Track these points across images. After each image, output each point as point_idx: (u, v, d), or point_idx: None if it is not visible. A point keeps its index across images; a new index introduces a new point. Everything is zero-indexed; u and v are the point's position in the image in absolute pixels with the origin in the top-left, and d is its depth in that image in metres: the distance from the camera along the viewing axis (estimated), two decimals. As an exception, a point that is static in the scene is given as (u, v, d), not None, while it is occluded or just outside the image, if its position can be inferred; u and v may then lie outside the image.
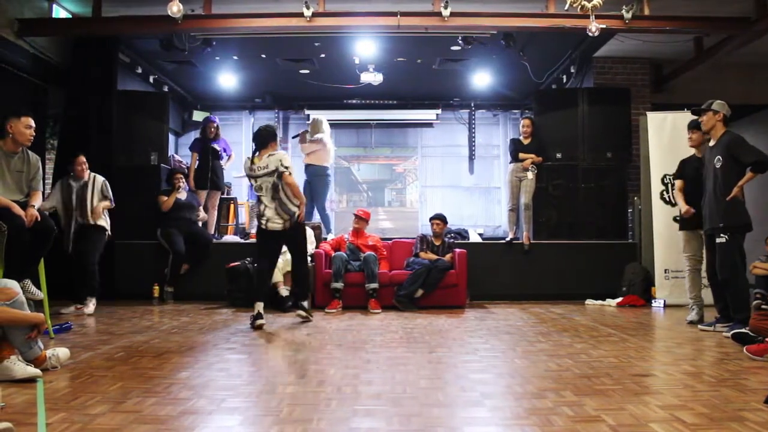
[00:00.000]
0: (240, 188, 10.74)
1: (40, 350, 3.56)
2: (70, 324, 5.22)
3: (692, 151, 5.81)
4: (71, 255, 6.34)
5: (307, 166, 8.43)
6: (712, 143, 5.30)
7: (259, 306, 5.46)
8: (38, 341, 3.55)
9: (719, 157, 5.11)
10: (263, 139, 5.58)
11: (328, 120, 10.47)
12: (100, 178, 6.53)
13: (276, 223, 5.47)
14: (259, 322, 5.34)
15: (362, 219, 7.31)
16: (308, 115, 10.36)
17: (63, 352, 3.73)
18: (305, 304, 5.89)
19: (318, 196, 8.44)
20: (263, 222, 5.52)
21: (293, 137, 9.60)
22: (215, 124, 8.52)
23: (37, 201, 4.72)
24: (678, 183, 5.88)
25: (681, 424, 2.60)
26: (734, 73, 8.76)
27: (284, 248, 7.08)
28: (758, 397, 2.96)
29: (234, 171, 9.62)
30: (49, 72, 7.44)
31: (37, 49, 7.08)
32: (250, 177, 5.62)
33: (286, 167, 5.44)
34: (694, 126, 5.62)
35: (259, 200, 5.59)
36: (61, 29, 7.45)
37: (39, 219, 4.56)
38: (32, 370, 3.37)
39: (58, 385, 3.26)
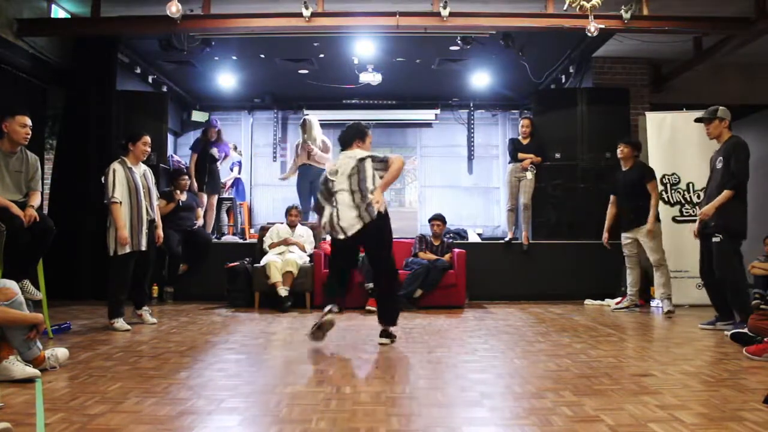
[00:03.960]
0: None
1: (39, 350, 3.56)
2: (69, 324, 5.22)
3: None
4: (144, 254, 5.52)
5: (309, 168, 8.47)
6: (718, 147, 5.35)
7: (330, 306, 4.54)
8: (37, 341, 3.55)
9: (721, 158, 5.17)
10: (346, 137, 4.81)
11: (328, 120, 10.57)
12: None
13: (352, 223, 4.44)
14: (327, 317, 4.45)
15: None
16: (307, 115, 10.31)
17: (62, 352, 3.73)
18: (393, 330, 4.72)
19: None
20: (329, 227, 4.57)
21: (281, 178, 9.38)
22: (216, 129, 8.68)
23: (36, 201, 4.71)
24: None
25: (680, 424, 2.60)
26: (733, 74, 8.78)
27: (282, 248, 7.16)
28: (757, 397, 2.97)
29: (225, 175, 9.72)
30: (48, 72, 7.44)
31: (36, 50, 7.08)
32: (327, 181, 4.69)
33: (381, 159, 4.59)
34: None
35: (321, 203, 4.69)
36: (60, 29, 7.43)
37: (38, 219, 4.55)
38: (31, 371, 3.36)
39: (57, 386, 3.26)
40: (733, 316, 5.22)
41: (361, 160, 4.59)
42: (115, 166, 5.41)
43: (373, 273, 4.92)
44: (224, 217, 9.62)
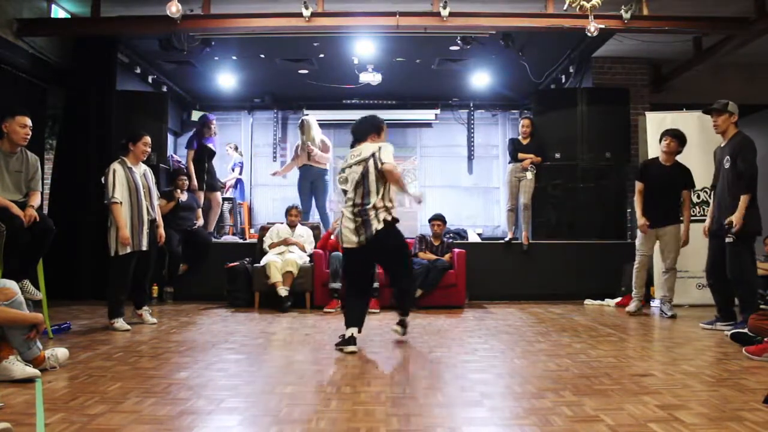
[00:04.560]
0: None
1: (39, 350, 3.56)
2: (69, 324, 5.22)
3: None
4: (145, 254, 5.53)
5: (309, 168, 8.47)
6: (723, 144, 5.33)
7: (352, 331, 4.40)
8: (37, 341, 3.55)
9: (728, 157, 5.15)
10: (361, 129, 4.68)
11: (328, 120, 10.59)
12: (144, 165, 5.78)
13: (350, 237, 4.44)
14: (349, 348, 4.29)
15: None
16: (306, 115, 10.32)
17: (62, 352, 3.73)
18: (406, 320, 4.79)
19: (320, 196, 8.57)
20: (338, 237, 4.62)
21: (272, 174, 9.35)
22: (214, 122, 8.62)
23: (36, 201, 4.71)
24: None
25: (680, 423, 2.60)
26: (733, 73, 8.78)
27: (282, 248, 7.15)
28: (757, 397, 2.97)
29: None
30: (48, 72, 7.44)
31: (36, 50, 7.08)
32: (340, 179, 4.67)
33: (385, 160, 4.41)
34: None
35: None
36: (60, 29, 7.44)
37: (38, 219, 4.55)
38: (31, 371, 3.36)
39: (57, 386, 3.26)
40: (735, 317, 5.22)
41: (367, 162, 4.44)
42: (115, 166, 5.41)
43: (391, 276, 4.84)
44: (227, 216, 9.62)
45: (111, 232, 5.33)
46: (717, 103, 5.30)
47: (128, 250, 5.32)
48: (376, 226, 4.37)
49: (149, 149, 5.69)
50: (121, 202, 5.30)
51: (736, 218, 5.01)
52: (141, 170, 5.60)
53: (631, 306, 6.46)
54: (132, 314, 5.62)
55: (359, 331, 4.46)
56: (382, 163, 4.39)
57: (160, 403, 2.92)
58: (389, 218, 4.45)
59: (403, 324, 4.75)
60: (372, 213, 4.39)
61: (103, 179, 5.43)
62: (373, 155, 4.44)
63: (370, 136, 4.63)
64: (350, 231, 4.44)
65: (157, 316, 5.95)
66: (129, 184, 5.40)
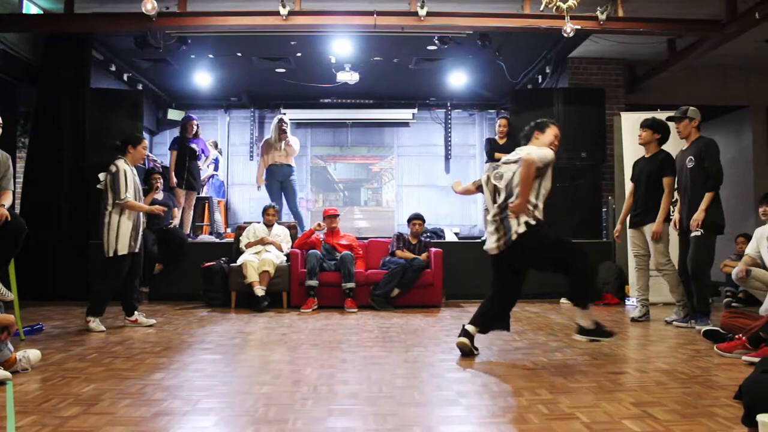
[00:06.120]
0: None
1: (11, 352, 3.50)
2: (41, 325, 5.14)
3: (668, 149, 5.88)
4: (136, 255, 5.47)
5: (279, 167, 8.43)
6: (685, 146, 5.51)
7: (469, 327, 4.17)
8: (8, 343, 3.50)
9: (691, 157, 5.33)
10: (527, 130, 4.30)
11: (305, 119, 10.60)
12: None
13: (490, 241, 4.08)
14: (459, 340, 4.16)
15: (334, 217, 7.30)
16: (284, 114, 10.28)
17: (34, 353, 3.68)
18: (584, 323, 4.08)
19: (290, 197, 8.55)
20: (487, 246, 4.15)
21: (259, 187, 8.89)
22: (195, 122, 8.55)
23: (8, 200, 4.62)
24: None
25: (653, 420, 2.63)
26: (707, 75, 8.93)
27: (259, 247, 7.11)
28: (728, 393, 3.01)
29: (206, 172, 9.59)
30: (20, 69, 7.33)
31: (7, 46, 6.96)
32: (496, 174, 4.22)
33: (529, 151, 3.95)
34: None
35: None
36: (32, 25, 7.31)
37: (9, 218, 4.46)
38: (2, 373, 3.31)
39: (29, 388, 3.21)
40: (708, 314, 5.31)
41: (519, 161, 4.00)
42: (125, 166, 5.34)
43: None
44: (218, 217, 9.52)
45: (110, 233, 5.24)
46: (678, 110, 5.50)
47: (126, 251, 5.27)
48: (516, 228, 3.92)
49: (146, 153, 5.72)
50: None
51: (697, 214, 5.18)
52: (134, 173, 5.58)
53: (636, 312, 5.89)
54: (123, 321, 5.51)
55: (480, 331, 4.20)
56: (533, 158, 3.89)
57: (135, 405, 2.89)
58: (533, 222, 3.93)
59: (582, 331, 4.09)
60: (511, 212, 3.97)
61: (102, 176, 5.36)
62: (523, 156, 3.98)
63: (533, 135, 4.25)
64: (489, 233, 4.09)
65: (132, 316, 5.87)
66: (135, 186, 5.40)
